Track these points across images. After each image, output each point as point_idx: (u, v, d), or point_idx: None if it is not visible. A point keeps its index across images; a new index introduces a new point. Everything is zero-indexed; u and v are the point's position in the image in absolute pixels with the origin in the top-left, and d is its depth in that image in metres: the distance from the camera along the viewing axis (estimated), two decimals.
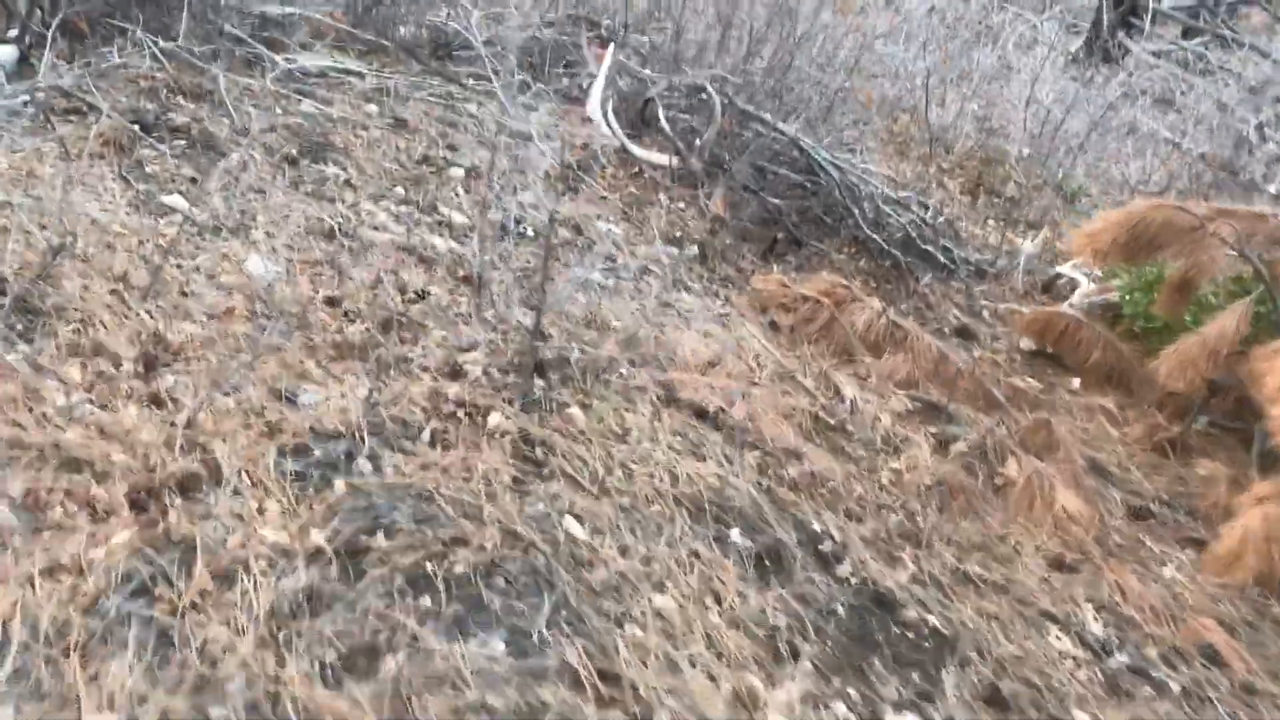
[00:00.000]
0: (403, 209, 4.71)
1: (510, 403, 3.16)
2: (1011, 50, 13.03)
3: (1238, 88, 14.54)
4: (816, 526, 3.42)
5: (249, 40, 5.69)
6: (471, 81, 6.62)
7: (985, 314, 6.87)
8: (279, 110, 5.23)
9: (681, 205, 5.93)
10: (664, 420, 3.44)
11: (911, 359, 4.93)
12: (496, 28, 7.09)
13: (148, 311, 2.98)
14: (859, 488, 3.91)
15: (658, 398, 3.57)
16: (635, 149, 6.06)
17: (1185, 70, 15.40)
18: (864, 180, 6.80)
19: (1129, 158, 11.21)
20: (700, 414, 3.67)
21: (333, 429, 2.74)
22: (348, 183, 4.75)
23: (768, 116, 6.09)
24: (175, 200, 4.12)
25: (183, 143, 4.59)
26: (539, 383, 3.34)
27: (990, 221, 9.09)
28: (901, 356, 4.93)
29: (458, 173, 5.14)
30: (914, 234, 6.90)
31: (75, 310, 2.83)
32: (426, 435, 2.86)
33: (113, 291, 3.08)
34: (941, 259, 7.05)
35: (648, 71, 6.61)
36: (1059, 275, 7.61)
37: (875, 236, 6.54)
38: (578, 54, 6.99)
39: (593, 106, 6.32)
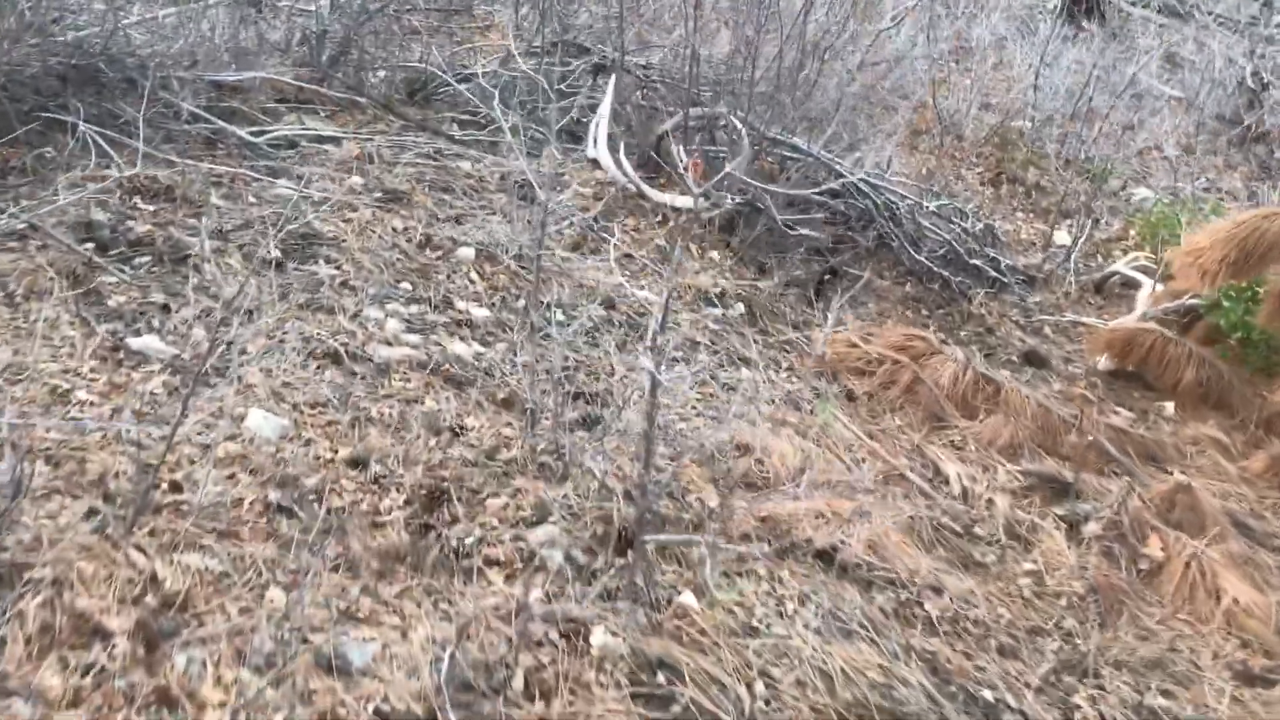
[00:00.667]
0: (414, 310, 4.02)
1: (611, 605, 2.50)
2: (999, 20, 12.41)
3: (1230, 32, 13.98)
4: (988, 694, 2.78)
5: (206, 115, 4.96)
6: (458, 130, 5.92)
7: (1047, 330, 6.25)
8: (252, 198, 4.51)
9: (714, 254, 5.26)
10: (786, 583, 2.79)
11: (1009, 418, 4.29)
12: (478, 63, 6.39)
13: (137, 546, 2.29)
14: (1004, 611, 3.29)
15: (769, 544, 2.92)
16: (654, 193, 5.39)
17: (1166, 16, 14.86)
18: (900, 196, 6.16)
19: (1140, 123, 10.60)
20: (821, 556, 3.02)
21: (403, 710, 2.06)
22: (345, 284, 4.05)
23: (800, 143, 5.42)
24: (148, 343, 3.42)
25: (148, 259, 3.88)
26: (634, 556, 2.68)
27: (1020, 214, 8.47)
28: (999, 418, 4.29)
29: (467, 254, 4.45)
30: (959, 248, 6.26)
31: (44, 565, 2.14)
32: (519, 680, 2.19)
33: (89, 514, 2.39)
34: (989, 271, 6.42)
35: (656, 103, 5.93)
36: (1112, 274, 7.00)
37: (923, 259, 5.90)
38: (575, 85, 6.30)
39: (598, 147, 5.63)
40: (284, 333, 3.66)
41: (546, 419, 3.35)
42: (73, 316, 3.47)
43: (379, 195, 4.82)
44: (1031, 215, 8.46)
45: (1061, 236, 8.08)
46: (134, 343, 3.41)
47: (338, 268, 4.15)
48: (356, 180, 4.90)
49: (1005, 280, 6.44)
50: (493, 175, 5.35)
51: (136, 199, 4.31)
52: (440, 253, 4.45)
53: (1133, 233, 8.11)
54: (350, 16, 5.88)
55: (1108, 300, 6.99)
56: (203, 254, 3.93)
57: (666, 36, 6.73)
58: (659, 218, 5.33)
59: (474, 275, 4.34)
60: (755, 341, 4.63)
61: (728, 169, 4.84)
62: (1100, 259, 7.65)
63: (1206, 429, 4.97)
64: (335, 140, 5.31)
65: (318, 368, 3.53)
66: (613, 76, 5.74)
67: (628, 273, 4.81)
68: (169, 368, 3.32)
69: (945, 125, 9.11)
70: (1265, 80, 12.16)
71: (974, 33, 11.05)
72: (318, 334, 3.68)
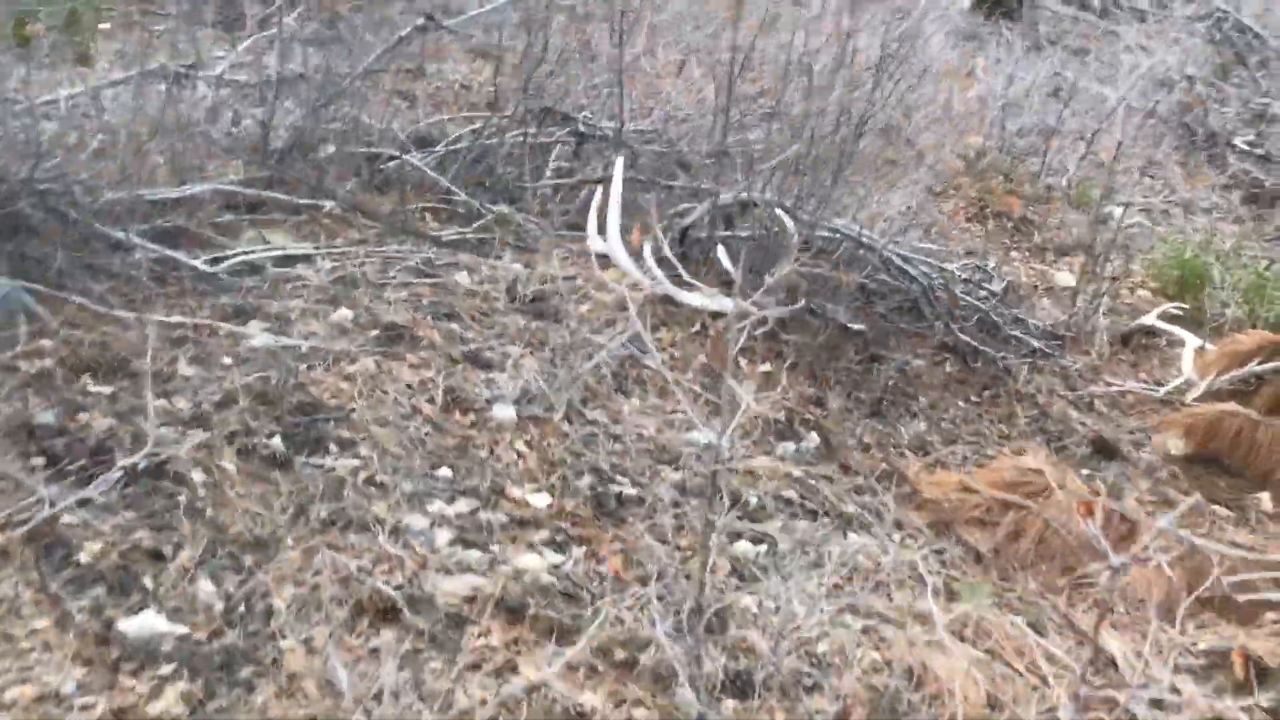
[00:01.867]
0: (461, 509, 3.22)
1: None
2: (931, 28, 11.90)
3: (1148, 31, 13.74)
4: None
5: (148, 245, 4.05)
6: (432, 222, 5.10)
7: (1099, 405, 5.69)
8: (226, 358, 3.64)
9: (766, 367, 4.54)
10: None
11: (1157, 566, 3.67)
12: (446, 134, 5.56)
13: None
14: None
15: None
16: (686, 296, 4.64)
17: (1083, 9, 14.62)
18: (931, 264, 5.53)
19: (1095, 134, 10.20)
20: None
21: None
22: (370, 480, 3.23)
23: (850, 226, 4.74)
24: (146, 623, 2.56)
25: (119, 474, 2.99)
26: None
27: (1014, 254, 7.95)
28: (1149, 571, 3.66)
29: (506, 415, 3.66)
30: (995, 317, 5.67)
31: None
32: None
33: None
34: (1026, 339, 5.84)
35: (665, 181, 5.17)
36: (1141, 328, 6.49)
37: (963, 336, 5.29)
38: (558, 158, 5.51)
39: (610, 241, 4.85)
40: (315, 572, 2.83)
41: (682, 682, 2.60)
42: (37, 593, 2.59)
43: (376, 335, 3.98)
44: (1027, 254, 7.96)
45: (1064, 277, 7.58)
46: (127, 627, 2.55)
47: (356, 455, 3.32)
48: (344, 315, 4.05)
49: (1043, 349, 5.86)
50: (496, 287, 4.53)
51: (85, 378, 3.41)
52: (473, 416, 3.64)
53: (1135, 266, 7.66)
54: (307, 99, 4.98)
55: (1139, 357, 6.49)
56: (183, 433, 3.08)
57: (668, 103, 5.96)
58: (696, 326, 4.58)
59: (520, 445, 3.54)
60: (845, 485, 3.93)
61: (778, 271, 4.14)
62: (1108, 299, 7.10)
63: None
64: (306, 259, 4.43)
65: (370, 626, 2.72)
66: (619, 157, 4.96)
67: (679, 410, 4.06)
68: (183, 665, 2.47)
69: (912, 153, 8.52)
70: (1198, 79, 11.96)
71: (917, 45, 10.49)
72: (357, 569, 2.86)
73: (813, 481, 3.86)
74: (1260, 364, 5.37)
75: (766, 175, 4.83)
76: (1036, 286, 7.45)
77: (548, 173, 5.58)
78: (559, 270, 4.79)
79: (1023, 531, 3.71)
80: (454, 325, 4.18)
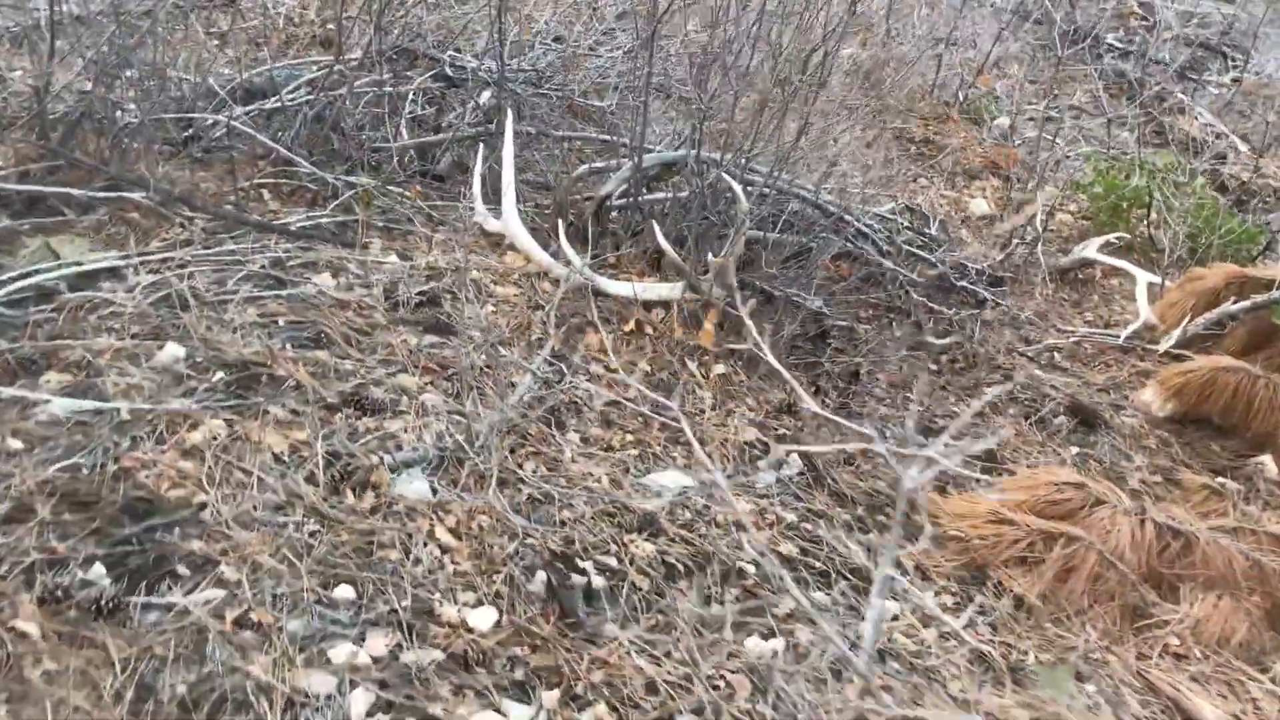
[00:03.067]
0: (379, 652, 2.29)
1: None
2: None
3: None
4: None
5: None
6: (278, 204, 4.03)
7: (1058, 358, 5.06)
8: (14, 440, 2.58)
9: (720, 370, 3.68)
10: None
11: (1224, 593, 3.03)
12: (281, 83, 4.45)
13: None
14: None
15: None
16: (619, 286, 3.73)
17: None
18: (876, 217, 4.77)
19: (967, 40, 9.58)
20: None
21: None
22: (242, 623, 2.27)
23: (808, 189, 3.89)
24: None
25: None
26: None
27: (922, 180, 7.25)
28: (1214, 599, 3.01)
29: (418, 490, 2.71)
30: (943, 268, 4.97)
31: None
32: None
33: None
34: (968, 287, 5.17)
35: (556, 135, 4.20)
36: (1082, 261, 5.89)
37: (923, 299, 4.57)
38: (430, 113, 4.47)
39: (507, 219, 3.89)
40: None
41: None
42: None
43: (222, 379, 2.95)
44: (935, 178, 7.27)
45: (979, 205, 6.94)
46: None
47: (217, 581, 2.34)
48: (174, 354, 3.01)
49: (992, 298, 5.20)
50: (371, 292, 3.53)
51: None
52: (372, 497, 2.68)
53: (1050, 189, 7.06)
54: (95, 51, 3.79)
55: (1080, 295, 5.90)
56: None
57: (559, 40, 4.93)
58: (629, 324, 3.69)
59: (444, 534, 2.61)
60: (843, 518, 3.15)
61: (725, 252, 3.30)
62: (1030, 229, 6.48)
63: None
64: (114, 273, 3.33)
65: None
66: (508, 113, 3.97)
67: (628, 441, 3.19)
68: None
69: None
70: None
71: None
72: None
73: (809, 525, 3.04)
74: (1235, 303, 4.79)
75: (702, 127, 3.91)
76: (953, 216, 6.79)
77: (404, 129, 4.52)
78: (445, 261, 3.81)
79: (1074, 568, 3.00)
80: (324, 354, 3.17)
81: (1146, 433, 4.48)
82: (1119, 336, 5.19)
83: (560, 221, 3.83)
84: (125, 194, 3.59)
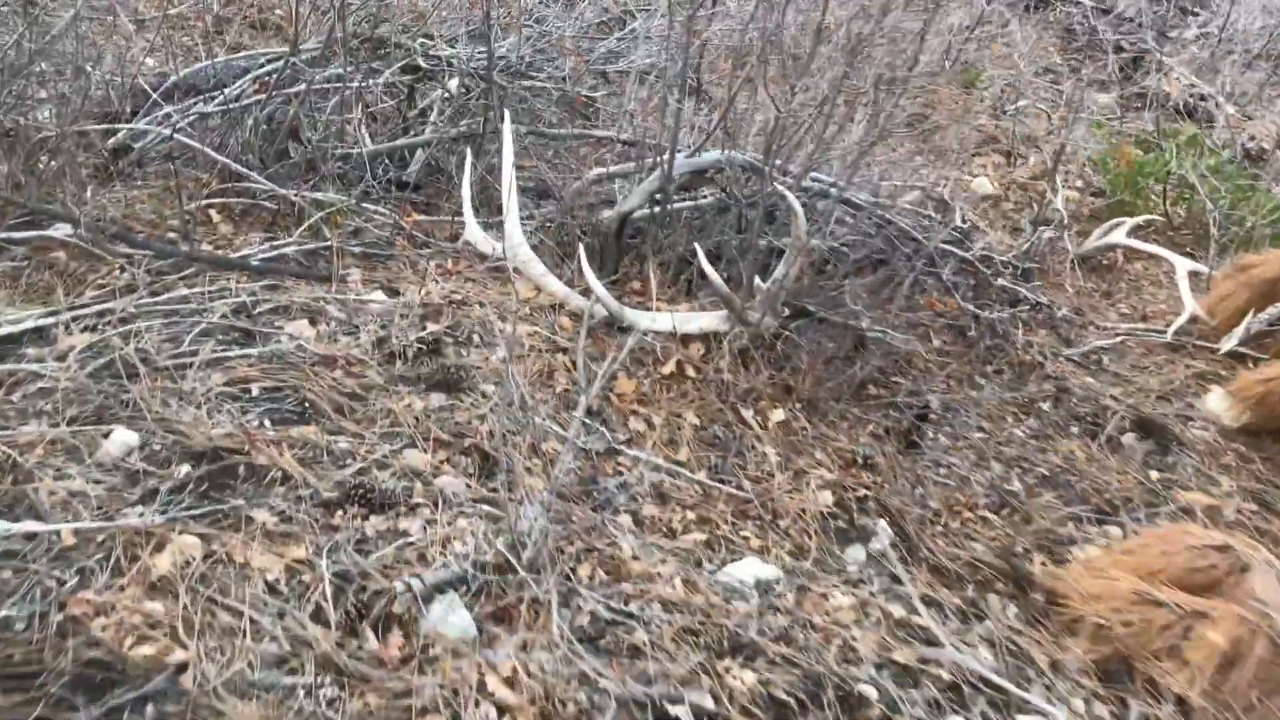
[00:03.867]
0: None
1: None
2: None
3: None
4: None
5: None
6: (232, 234, 3.41)
7: (1105, 361, 4.59)
8: None
9: (779, 415, 3.12)
10: None
11: None
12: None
13: None
14: None
15: None
16: (651, 319, 3.14)
17: None
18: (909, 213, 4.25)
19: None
20: None
21: None
22: None
23: (862, 198, 3.34)
24: None
25: None
26: None
27: (919, 159, 6.71)
28: None
29: (458, 626, 2.13)
30: (983, 269, 4.47)
31: None
32: None
33: None
34: (1008, 286, 4.68)
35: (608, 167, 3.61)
36: (1106, 246, 5.42)
37: (965, 303, 4.08)
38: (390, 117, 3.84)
39: (512, 244, 3.28)
40: None
41: None
42: None
43: (187, 476, 2.33)
44: (932, 158, 6.74)
45: (982, 184, 6.45)
46: None
47: None
48: (123, 442, 2.38)
49: (1029, 296, 4.71)
50: (358, 339, 2.92)
51: None
52: (400, 636, 2.08)
53: (1052, 165, 6.57)
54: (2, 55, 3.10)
55: (1108, 284, 5.43)
56: None
57: (540, 23, 4.29)
58: (667, 367, 3.11)
59: (497, 685, 2.03)
60: (950, 600, 2.62)
61: (779, 275, 2.75)
62: (1034, 207, 5.99)
63: None
64: (39, 334, 2.68)
65: None
66: (506, 120, 3.34)
67: (690, 521, 2.63)
68: None
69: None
70: None
71: None
72: None
73: (918, 618, 2.51)
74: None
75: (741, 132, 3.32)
76: (956, 197, 6.29)
77: (365, 132, 3.86)
78: (441, 294, 3.20)
79: (1240, 656, 2.50)
80: (312, 430, 2.56)
81: (1223, 449, 4.02)
82: (1165, 333, 4.73)
83: (578, 243, 3.22)
84: (47, 231, 2.91)
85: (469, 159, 3.54)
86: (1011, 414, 4.01)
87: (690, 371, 3.08)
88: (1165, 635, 2.52)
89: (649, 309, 3.17)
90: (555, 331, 3.12)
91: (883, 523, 2.81)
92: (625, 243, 3.32)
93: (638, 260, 3.37)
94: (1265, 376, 3.99)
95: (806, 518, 2.71)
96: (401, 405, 2.70)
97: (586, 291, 3.20)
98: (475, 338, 3.03)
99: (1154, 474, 3.76)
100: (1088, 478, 3.59)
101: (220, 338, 2.79)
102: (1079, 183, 6.53)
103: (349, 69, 3.80)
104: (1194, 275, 5.00)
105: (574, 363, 2.99)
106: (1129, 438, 3.99)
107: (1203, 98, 8.76)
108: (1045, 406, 4.11)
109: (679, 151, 3.24)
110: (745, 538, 2.61)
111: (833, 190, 3.43)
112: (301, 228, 3.32)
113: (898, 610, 2.52)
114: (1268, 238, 5.23)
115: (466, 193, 3.48)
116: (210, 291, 2.96)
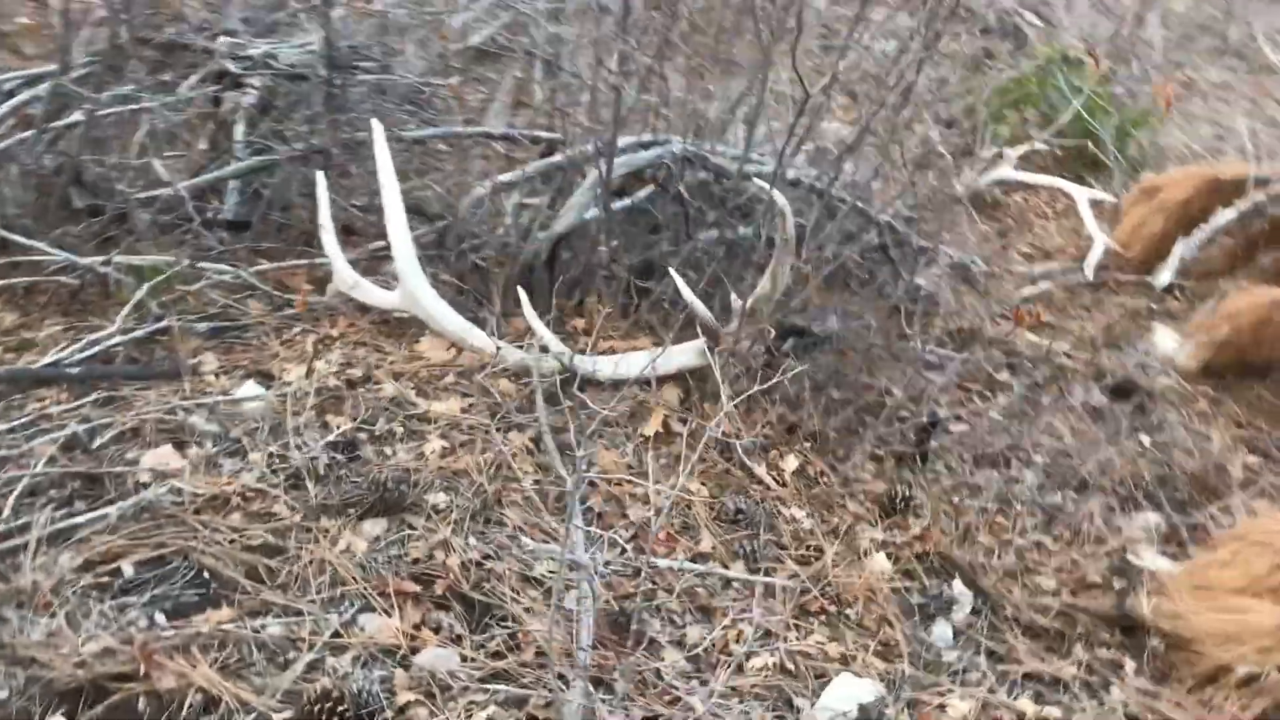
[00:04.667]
0: None
1: None
2: None
3: None
4: None
5: None
6: (17, 323, 2.55)
7: (1042, 315, 4.22)
8: None
9: (791, 463, 2.53)
10: None
11: None
12: None
13: None
14: None
15: None
16: (621, 364, 2.48)
17: None
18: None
19: None
20: None
21: None
22: None
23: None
24: None
25: None
26: None
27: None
28: None
29: None
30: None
31: None
32: None
33: None
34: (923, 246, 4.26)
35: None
36: (998, 182, 5.08)
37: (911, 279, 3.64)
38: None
39: (405, 283, 2.56)
40: None
41: None
42: None
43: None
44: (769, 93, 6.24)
45: (834, 129, 6.00)
46: None
47: None
48: None
49: (946, 252, 4.29)
50: (249, 457, 2.15)
51: None
52: None
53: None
54: None
55: (999, 223, 5.10)
56: None
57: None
58: (651, 427, 2.46)
59: None
60: (1083, 682, 2.12)
61: (763, 289, 2.18)
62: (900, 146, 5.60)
63: None
64: None
65: None
66: (376, 128, 2.59)
67: (750, 624, 2.02)
68: None
69: None
70: None
71: None
72: None
73: (1053, 711, 2.00)
74: (1237, 209, 4.07)
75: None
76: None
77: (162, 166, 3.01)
78: (332, 370, 2.44)
79: None
80: (225, 614, 1.80)
81: (1193, 395, 3.71)
82: (1085, 272, 4.40)
83: (497, 277, 2.52)
84: None
85: (322, 183, 2.75)
86: (977, 393, 3.58)
87: (677, 426, 2.44)
88: None
89: (610, 351, 2.52)
90: (495, 398, 2.42)
91: (958, 584, 2.28)
92: (558, 271, 2.62)
93: (575, 290, 2.69)
94: (1229, 313, 3.69)
95: (878, 599, 2.15)
96: (336, 551, 1.96)
97: (521, 339, 2.51)
98: (397, 428, 2.30)
99: (1145, 439, 3.39)
100: (1087, 458, 3.18)
101: (55, 495, 1.97)
102: (925, 115, 6.18)
103: (138, 90, 2.93)
104: (1095, 204, 4.71)
105: (536, 442, 2.30)
106: (1102, 399, 3.63)
107: (1006, 12, 8.59)
108: (1004, 377, 3.70)
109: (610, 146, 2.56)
110: (820, 645, 2.02)
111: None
112: (125, 309, 2.47)
113: (1027, 708, 1.99)
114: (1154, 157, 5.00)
115: (329, 228, 2.70)
116: (19, 425, 2.11)
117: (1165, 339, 3.94)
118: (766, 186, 2.40)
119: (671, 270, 2.40)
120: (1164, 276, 4.15)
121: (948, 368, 3.57)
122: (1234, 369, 3.76)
